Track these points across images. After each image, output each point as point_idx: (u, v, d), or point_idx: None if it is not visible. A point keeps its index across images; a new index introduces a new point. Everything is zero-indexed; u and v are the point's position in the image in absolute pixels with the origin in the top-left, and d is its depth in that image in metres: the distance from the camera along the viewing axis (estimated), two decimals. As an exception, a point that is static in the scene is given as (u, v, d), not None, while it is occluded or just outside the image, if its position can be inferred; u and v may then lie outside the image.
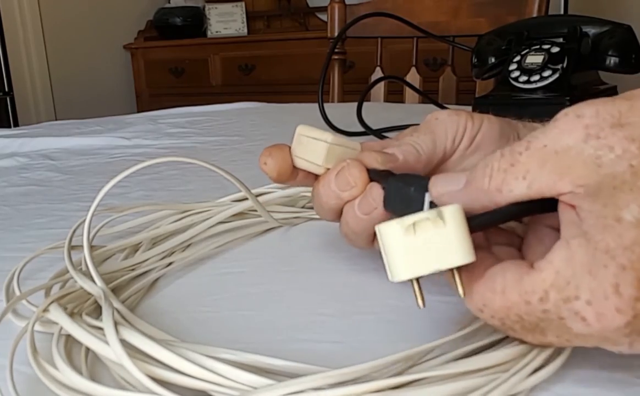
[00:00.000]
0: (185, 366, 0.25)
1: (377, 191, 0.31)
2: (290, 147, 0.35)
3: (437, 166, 0.35)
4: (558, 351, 0.26)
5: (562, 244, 0.23)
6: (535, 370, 0.25)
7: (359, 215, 0.32)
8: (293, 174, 0.35)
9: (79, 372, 0.26)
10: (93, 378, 0.26)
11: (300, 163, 0.34)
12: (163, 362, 0.25)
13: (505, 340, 0.27)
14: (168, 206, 0.45)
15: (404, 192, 0.30)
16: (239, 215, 0.45)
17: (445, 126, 0.34)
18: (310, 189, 0.36)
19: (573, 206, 0.23)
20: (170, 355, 0.25)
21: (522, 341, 0.26)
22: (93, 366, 0.28)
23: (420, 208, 0.28)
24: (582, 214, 0.23)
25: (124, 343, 0.26)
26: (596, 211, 0.22)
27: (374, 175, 0.32)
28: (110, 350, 0.26)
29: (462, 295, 0.25)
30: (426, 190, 0.28)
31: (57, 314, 0.29)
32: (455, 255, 0.24)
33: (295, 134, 0.35)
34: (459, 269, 0.25)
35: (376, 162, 0.32)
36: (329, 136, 0.33)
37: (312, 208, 0.45)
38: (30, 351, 0.27)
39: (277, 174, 0.34)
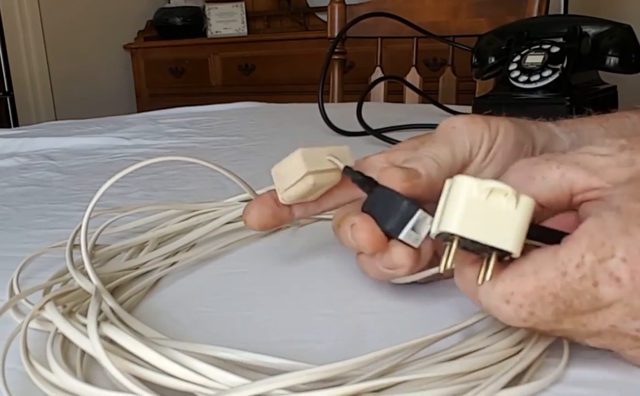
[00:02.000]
0: (165, 365, 0.25)
1: (401, 252, 0.30)
2: (274, 191, 0.35)
3: None
4: (547, 362, 0.26)
5: (594, 216, 0.24)
6: (523, 374, 0.25)
7: (381, 269, 0.32)
8: (286, 213, 0.35)
9: (73, 372, 0.26)
10: (88, 378, 0.26)
11: (290, 197, 0.34)
12: (145, 361, 0.25)
13: (489, 347, 0.27)
14: (175, 206, 0.45)
15: (393, 202, 0.30)
16: (246, 215, 0.45)
17: (464, 136, 0.33)
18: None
19: (599, 198, 0.25)
20: (152, 354, 0.25)
21: (540, 335, 0.26)
22: (89, 367, 0.28)
23: (406, 222, 0.29)
24: (611, 199, 0.24)
25: (111, 341, 0.26)
26: (628, 191, 0.24)
27: (355, 178, 0.33)
28: (90, 345, 0.26)
29: (487, 278, 0.25)
30: (418, 207, 0.29)
31: (51, 313, 0.29)
32: (509, 241, 0.24)
33: (273, 175, 0.35)
34: (498, 256, 0.25)
35: (400, 180, 0.31)
36: (302, 164, 0.33)
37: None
38: (22, 350, 0.27)
39: (258, 225, 0.35)
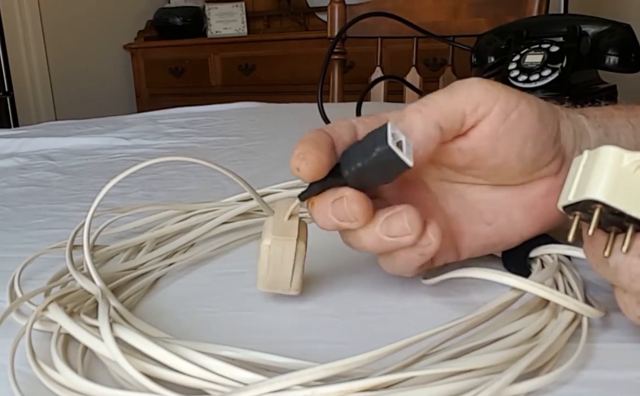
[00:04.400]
0: (178, 364, 0.25)
1: (411, 215, 0.29)
2: (323, 144, 0.30)
3: (455, 138, 0.31)
4: (555, 357, 0.26)
5: None
6: (532, 374, 0.25)
7: (382, 237, 0.30)
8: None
9: (75, 371, 0.26)
10: (89, 376, 0.26)
11: (299, 280, 0.33)
12: (157, 359, 0.25)
13: (499, 341, 0.27)
14: (172, 206, 0.45)
15: (363, 141, 0.28)
16: (245, 215, 0.45)
17: (471, 90, 0.30)
18: None
19: None
20: (164, 352, 0.25)
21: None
22: (89, 365, 0.28)
23: (384, 140, 0.27)
24: None
25: (120, 341, 0.26)
26: None
27: (324, 182, 0.30)
28: (105, 347, 0.26)
29: (624, 249, 0.24)
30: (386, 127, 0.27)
31: (55, 313, 0.29)
32: None
33: (269, 290, 0.34)
34: (635, 229, 0.24)
35: (352, 131, 0.30)
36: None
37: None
38: (28, 351, 0.27)
39: (312, 179, 0.30)
